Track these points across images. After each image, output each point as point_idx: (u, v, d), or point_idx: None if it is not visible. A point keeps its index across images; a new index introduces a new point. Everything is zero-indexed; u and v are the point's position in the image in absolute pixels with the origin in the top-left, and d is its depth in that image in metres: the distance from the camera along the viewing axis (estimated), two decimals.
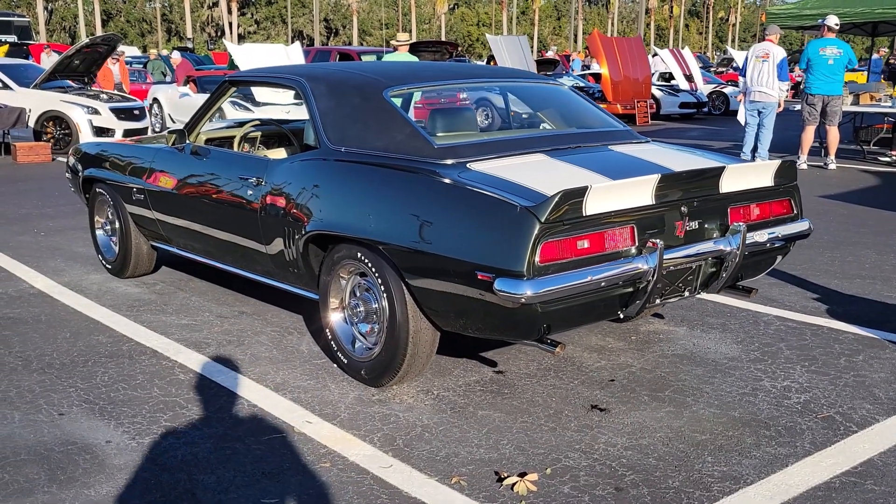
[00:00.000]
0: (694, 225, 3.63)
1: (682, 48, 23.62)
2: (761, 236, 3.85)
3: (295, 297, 4.86)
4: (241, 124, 5.67)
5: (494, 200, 3.27)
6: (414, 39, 72.06)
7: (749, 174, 3.81)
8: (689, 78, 22.16)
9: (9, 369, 4.17)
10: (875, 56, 19.18)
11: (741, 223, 3.74)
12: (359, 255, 3.78)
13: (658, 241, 3.40)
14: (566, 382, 3.98)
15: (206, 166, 4.79)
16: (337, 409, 3.70)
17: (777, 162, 3.90)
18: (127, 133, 13.87)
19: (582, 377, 4.04)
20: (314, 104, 4.20)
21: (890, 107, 12.49)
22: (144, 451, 3.30)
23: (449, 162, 3.70)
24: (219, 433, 3.46)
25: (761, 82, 11.32)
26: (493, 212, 3.26)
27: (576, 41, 78.24)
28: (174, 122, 17.06)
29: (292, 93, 15.63)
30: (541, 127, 4.57)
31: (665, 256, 3.44)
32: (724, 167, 3.68)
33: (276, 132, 5.44)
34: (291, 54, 16.06)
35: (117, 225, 5.69)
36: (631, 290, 3.46)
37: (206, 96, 16.20)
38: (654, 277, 3.39)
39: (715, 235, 3.72)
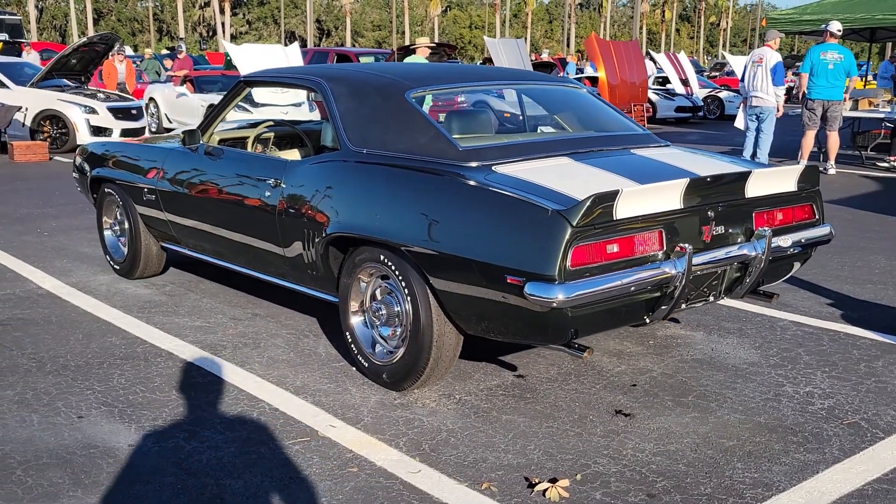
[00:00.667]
0: (720, 229, 3.61)
1: (678, 52, 23.64)
2: (785, 241, 3.84)
3: (309, 300, 4.85)
4: (253, 125, 5.63)
5: (524, 204, 3.25)
6: (406, 42, 71.95)
7: (774, 179, 3.79)
8: (685, 82, 22.21)
9: (23, 371, 4.12)
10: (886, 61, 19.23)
11: (766, 228, 3.72)
12: (381, 257, 3.75)
13: (687, 245, 3.38)
14: (588, 387, 3.96)
15: (221, 167, 4.75)
16: (359, 413, 3.66)
17: (801, 166, 3.89)
18: (125, 133, 13.81)
19: (603, 382, 4.02)
20: (334, 105, 4.17)
21: (889, 112, 12.53)
22: (168, 455, 3.26)
23: (473, 165, 3.68)
24: (242, 437, 3.43)
25: (756, 87, 11.34)
26: (523, 215, 3.23)
27: (568, 44, 78.37)
28: (171, 122, 17.01)
29: (292, 94, 15.71)
30: (561, 130, 4.55)
31: (693, 261, 3.43)
32: (750, 171, 3.66)
33: (289, 133, 5.40)
34: (290, 55, 16.01)
35: (126, 225, 5.65)
36: (658, 294, 3.44)
37: (203, 96, 16.17)
38: (683, 282, 3.37)
39: (740, 240, 3.71)
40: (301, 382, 3.99)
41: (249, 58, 15.57)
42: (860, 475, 3.13)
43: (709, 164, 4.03)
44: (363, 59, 17.92)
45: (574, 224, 3.09)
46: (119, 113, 14.01)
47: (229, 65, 22.57)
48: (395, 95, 4.04)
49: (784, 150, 13.26)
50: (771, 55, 11.26)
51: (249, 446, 3.35)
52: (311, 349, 4.44)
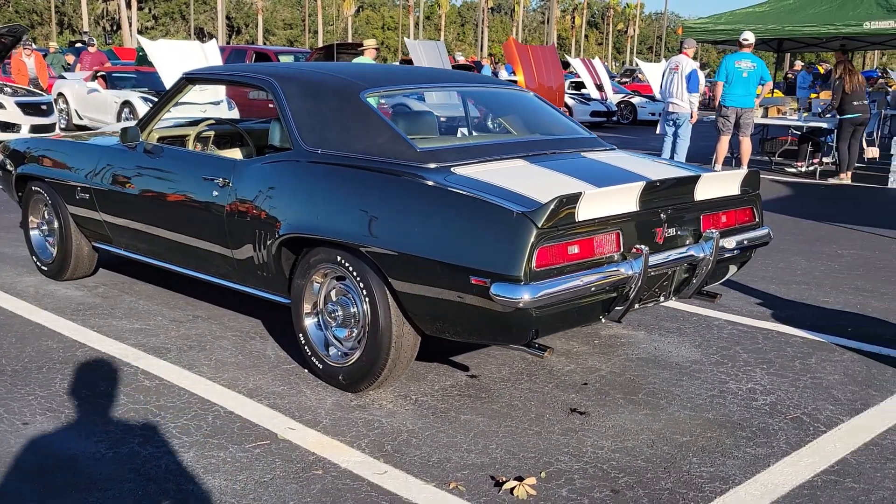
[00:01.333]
0: (671, 231, 3.72)
1: (592, 58, 24.13)
2: (729, 243, 3.97)
3: (251, 301, 4.80)
4: (192, 123, 5.52)
5: (488, 205, 3.28)
6: (320, 43, 71.18)
7: (720, 182, 3.92)
8: (600, 87, 22.65)
9: None
10: (803, 71, 19.97)
11: (713, 230, 3.85)
12: (338, 258, 3.73)
13: (643, 246, 3.47)
14: (540, 386, 4.02)
15: (162, 165, 4.64)
16: (317, 415, 3.64)
17: (745, 171, 4.03)
18: (34, 129, 13.32)
19: (555, 381, 4.08)
20: (286, 105, 4.12)
21: (796, 120, 13.04)
22: (125, 461, 3.18)
23: (432, 166, 3.69)
24: (199, 441, 3.36)
25: (672, 93, 11.66)
26: (487, 217, 3.27)
27: (481, 48, 78.98)
28: (81, 118, 16.49)
29: (210, 91, 15.39)
30: (513, 133, 4.60)
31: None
32: (699, 175, 3.78)
33: (229, 132, 5.32)
34: (208, 52, 15.70)
35: (56, 225, 5.46)
36: (615, 294, 3.52)
37: (116, 92, 15.71)
38: (639, 283, 3.46)
39: (689, 242, 3.82)
40: (254, 385, 3.93)
41: (166, 54, 15.23)
42: (808, 467, 3.26)
43: (657, 168, 4.14)
44: (283, 58, 17.71)
45: (539, 225, 3.14)
46: (28, 108, 13.51)
47: (142, 60, 22.04)
48: (351, 96, 4.03)
49: (699, 155, 13.64)
50: (687, 63, 11.59)
51: (207, 450, 3.29)
52: (259, 351, 4.38)
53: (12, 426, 3.45)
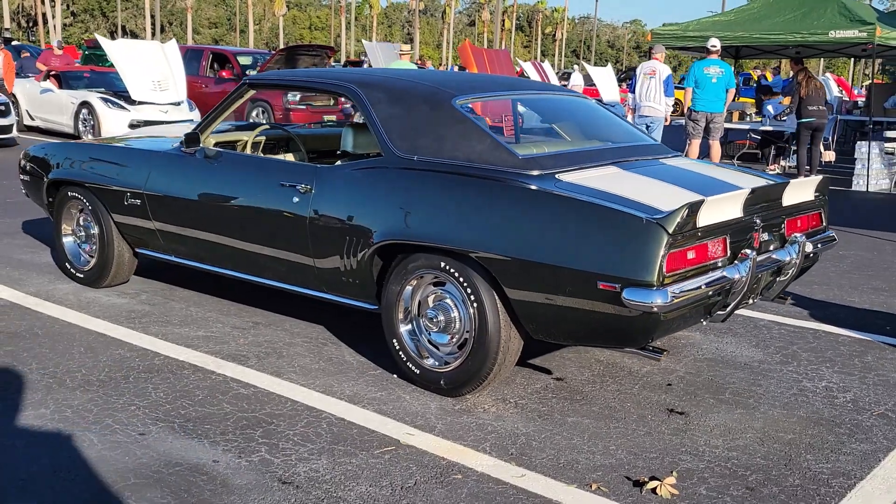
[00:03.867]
0: (764, 236, 3.85)
1: (542, 61, 24.45)
2: (808, 246, 4.13)
3: (305, 305, 4.88)
4: (239, 128, 5.45)
5: (614, 212, 3.37)
6: (251, 43, 70.06)
7: (801, 189, 4.08)
8: None
9: (44, 387, 3.86)
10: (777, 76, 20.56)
11: (798, 234, 4.00)
12: (442, 264, 3.77)
13: (749, 251, 3.60)
14: (627, 387, 4.11)
15: (228, 171, 4.60)
16: (427, 419, 3.66)
17: (819, 178, 4.21)
18: None
19: (639, 382, 4.18)
20: (373, 112, 4.12)
21: (760, 124, 13.47)
22: (261, 469, 3.17)
23: (535, 173, 3.75)
24: (325, 448, 3.36)
25: (649, 97, 11.92)
26: (614, 224, 3.35)
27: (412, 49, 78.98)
28: (33, 118, 16.01)
29: (171, 92, 15.07)
30: (592, 140, 4.67)
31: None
32: (788, 182, 3.93)
33: (282, 136, 5.28)
34: (168, 52, 15.43)
35: (94, 231, 5.34)
36: (719, 298, 3.64)
37: (72, 92, 15.28)
38: (746, 286, 3.58)
39: (774, 246, 3.96)
40: (351, 391, 3.93)
41: (126, 54, 14.91)
42: None
43: (734, 175, 4.29)
44: (241, 59, 17.49)
45: (670, 232, 3.23)
46: None
47: (87, 59, 21.47)
48: (442, 103, 4.06)
49: None
50: (662, 68, 11.87)
51: (338, 457, 3.29)
52: (338, 357, 4.37)
53: (130, 437, 3.39)
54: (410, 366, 3.97)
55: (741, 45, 13.46)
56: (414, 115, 4.08)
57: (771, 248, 3.92)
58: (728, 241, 3.60)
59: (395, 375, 4.12)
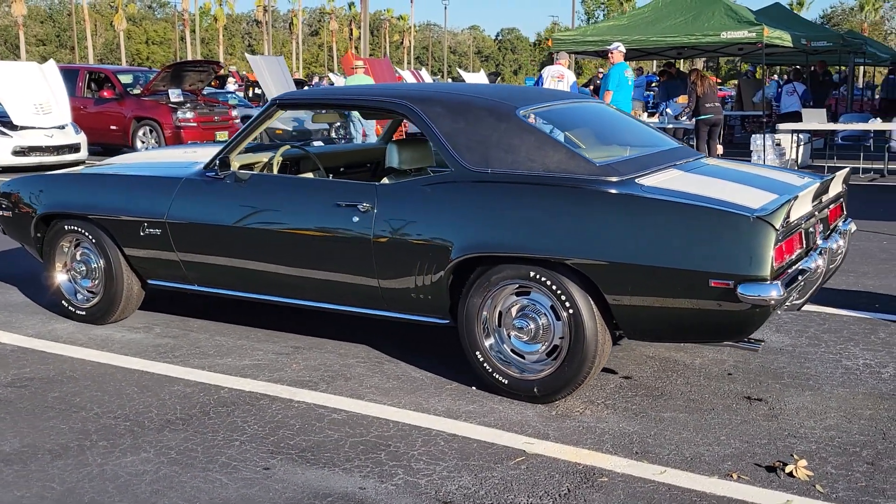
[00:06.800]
0: (820, 227, 4.11)
1: (419, 69, 24.65)
2: (853, 229, 4.43)
3: (330, 325, 4.86)
4: (259, 149, 5.27)
5: (718, 212, 3.52)
6: (90, 60, 67.02)
7: (838, 180, 4.37)
8: None
9: (126, 431, 3.66)
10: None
11: (841, 223, 4.29)
12: (532, 273, 3.82)
13: (819, 241, 3.83)
14: (693, 380, 4.28)
15: (270, 195, 4.48)
16: (535, 427, 3.71)
17: (846, 170, 4.51)
18: None
19: (699, 374, 4.36)
20: (434, 127, 4.12)
21: (659, 123, 14.08)
22: (412, 492, 3.13)
23: (614, 179, 3.86)
24: (460, 465, 3.35)
25: None
26: (719, 223, 3.50)
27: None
28: None
29: (55, 115, 14.31)
30: (638, 145, 4.80)
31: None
32: (834, 175, 4.20)
33: (300, 156, 5.17)
34: (47, 73, 14.69)
35: (98, 265, 5.07)
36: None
37: None
38: (822, 274, 3.82)
39: (826, 235, 4.22)
40: (443, 407, 3.92)
41: (3, 77, 14.11)
42: None
43: (767, 171, 4.54)
44: (122, 77, 16.81)
45: (777, 227, 3.41)
46: None
47: None
48: (508, 115, 4.11)
49: None
50: (569, 73, 12.25)
51: (479, 472, 3.29)
52: (404, 374, 4.34)
53: (257, 472, 3.28)
54: (497, 377, 4.00)
55: (638, 48, 14.04)
56: (479, 128, 4.11)
57: (824, 238, 4.18)
58: (803, 234, 3.83)
59: (473, 387, 4.13)
